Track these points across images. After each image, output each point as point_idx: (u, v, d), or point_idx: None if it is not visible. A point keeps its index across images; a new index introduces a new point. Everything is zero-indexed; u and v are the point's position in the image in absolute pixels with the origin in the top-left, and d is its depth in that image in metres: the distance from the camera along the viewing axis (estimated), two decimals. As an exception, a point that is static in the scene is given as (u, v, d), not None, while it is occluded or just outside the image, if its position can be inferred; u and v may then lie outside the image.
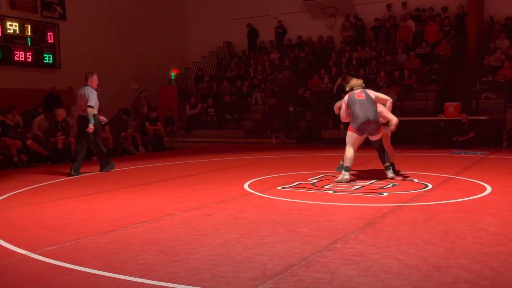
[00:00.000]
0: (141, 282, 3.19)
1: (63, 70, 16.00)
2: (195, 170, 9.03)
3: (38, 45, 15.44)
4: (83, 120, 8.53)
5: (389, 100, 7.26)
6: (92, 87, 8.60)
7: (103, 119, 9.07)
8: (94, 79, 8.70)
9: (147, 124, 13.82)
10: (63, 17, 16.16)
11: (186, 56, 20.95)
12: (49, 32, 15.74)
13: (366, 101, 6.96)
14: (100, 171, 8.96)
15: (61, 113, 11.54)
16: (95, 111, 8.55)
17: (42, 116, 11.64)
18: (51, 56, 15.78)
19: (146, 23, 19.01)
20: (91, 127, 8.37)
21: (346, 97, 7.12)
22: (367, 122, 6.82)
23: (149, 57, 18.89)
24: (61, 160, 11.02)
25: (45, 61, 15.64)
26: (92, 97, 8.43)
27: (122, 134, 12.91)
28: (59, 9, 16.04)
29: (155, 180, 7.73)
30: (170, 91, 18.96)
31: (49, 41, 15.73)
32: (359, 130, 6.89)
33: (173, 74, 20.27)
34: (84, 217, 5.21)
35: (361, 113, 6.85)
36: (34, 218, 5.23)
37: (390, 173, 7.10)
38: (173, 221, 4.88)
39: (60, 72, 15.94)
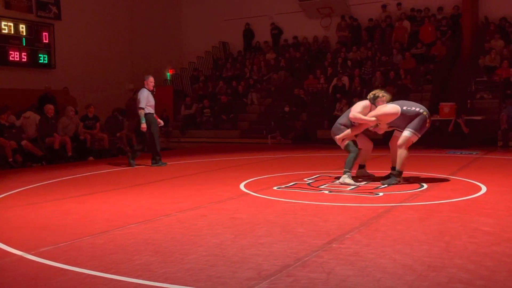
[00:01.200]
0: (137, 283, 3.19)
1: (58, 70, 15.97)
2: (191, 170, 9.02)
3: (33, 45, 15.41)
4: (138, 119, 9.41)
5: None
6: (148, 89, 9.35)
7: (160, 121, 9.72)
8: (149, 81, 9.46)
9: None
10: (58, 17, 16.13)
11: (181, 56, 20.94)
12: (44, 32, 15.70)
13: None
14: (151, 164, 9.52)
15: (50, 109, 11.48)
16: (151, 110, 9.31)
17: (31, 113, 11.55)
18: (46, 56, 15.75)
19: (141, 23, 19.00)
20: (142, 126, 9.18)
21: None
22: None
23: (144, 57, 18.86)
24: (56, 160, 10.99)
25: (40, 61, 15.61)
26: (142, 99, 9.20)
27: (118, 134, 12.90)
28: (54, 9, 16.01)
29: (150, 181, 7.72)
30: (165, 91, 18.92)
31: (44, 41, 15.70)
32: None
33: (168, 74, 20.25)
34: (79, 217, 5.19)
35: None
36: (29, 218, 5.21)
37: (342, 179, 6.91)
38: (168, 221, 4.88)
39: (55, 72, 15.90)
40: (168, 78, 20.20)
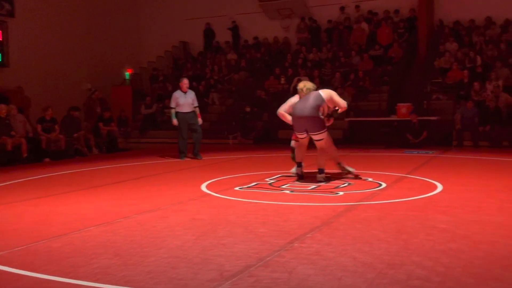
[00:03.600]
0: (95, 287, 3.12)
1: (11, 69, 15.45)
2: (151, 171, 8.91)
3: (-15, 43, 14.88)
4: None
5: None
6: (182, 91, 10.54)
7: (199, 120, 10.72)
8: (182, 83, 10.67)
9: (100, 124, 13.53)
10: (11, 14, 15.60)
11: (140, 55, 20.64)
12: (-3, 29, 15.18)
13: None
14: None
15: (2, 108, 11.10)
16: (182, 109, 10.43)
17: None
18: (-1, 54, 15.23)
19: (99, 21, 18.61)
20: (173, 122, 10.54)
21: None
22: None
23: (102, 56, 18.49)
24: (10, 162, 10.63)
25: (-8, 59, 15.08)
26: (172, 99, 10.60)
27: (75, 135, 12.57)
28: (7, 5, 15.47)
29: (109, 182, 7.57)
30: (124, 91, 18.62)
31: (-3, 38, 15.18)
32: None
33: (127, 73, 19.92)
34: (34, 221, 5.04)
35: None
36: (-19, 222, 5.02)
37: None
38: (128, 223, 4.80)
39: (8, 71, 15.38)
40: (127, 77, 19.87)
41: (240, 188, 6.65)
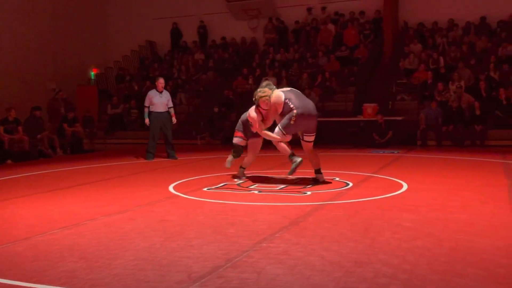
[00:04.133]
0: (61, 291, 3.06)
1: (-29, 68, 15.03)
2: (117, 172, 8.78)
3: None
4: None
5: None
6: (157, 90, 10.42)
7: (173, 119, 10.65)
8: (158, 82, 10.51)
9: (65, 125, 13.27)
10: (-28, 11, 15.19)
11: (106, 54, 20.33)
12: (-44, 27, 14.72)
13: None
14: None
15: None
16: (156, 109, 10.34)
17: None
18: (-42, 53, 14.76)
19: (64, 19, 18.23)
20: (145, 121, 10.45)
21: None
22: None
23: (67, 55, 18.14)
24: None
25: (-49, 58, 14.60)
26: (146, 99, 10.47)
27: (38, 136, 12.30)
28: (-34, 3, 15.05)
29: (74, 184, 7.43)
30: (89, 91, 18.32)
31: (-44, 36, 14.71)
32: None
33: (92, 73, 19.60)
34: (-3, 224, 4.91)
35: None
36: None
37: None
38: (94, 226, 4.72)
39: (-32, 70, 14.96)
40: (92, 77, 19.55)
41: (208, 189, 6.62)
